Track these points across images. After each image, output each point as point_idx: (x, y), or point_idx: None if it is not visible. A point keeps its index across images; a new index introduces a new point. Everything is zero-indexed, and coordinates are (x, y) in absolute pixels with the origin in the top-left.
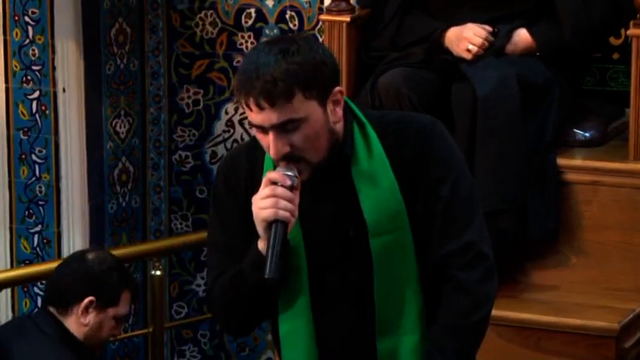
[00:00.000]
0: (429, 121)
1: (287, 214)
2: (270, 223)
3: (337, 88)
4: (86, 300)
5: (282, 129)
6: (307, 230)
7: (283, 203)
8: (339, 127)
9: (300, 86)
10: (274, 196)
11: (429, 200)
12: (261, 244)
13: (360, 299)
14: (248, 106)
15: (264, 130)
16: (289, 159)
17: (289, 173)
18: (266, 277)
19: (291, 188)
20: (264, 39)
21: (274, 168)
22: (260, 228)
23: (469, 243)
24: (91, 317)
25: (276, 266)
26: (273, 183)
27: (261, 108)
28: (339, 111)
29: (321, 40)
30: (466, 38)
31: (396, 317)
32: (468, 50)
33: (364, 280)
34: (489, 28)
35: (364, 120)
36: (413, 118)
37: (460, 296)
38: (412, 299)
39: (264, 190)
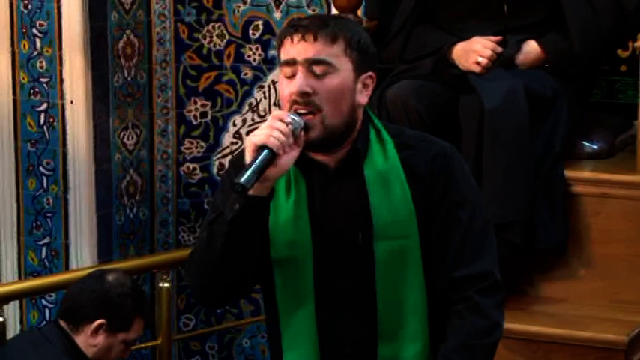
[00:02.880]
0: (449, 147)
1: (277, 142)
2: (258, 148)
3: (371, 72)
4: (97, 322)
5: (311, 69)
6: (317, 233)
7: (277, 133)
8: (359, 116)
9: (346, 39)
10: (271, 126)
11: (446, 221)
12: (248, 160)
13: (364, 304)
14: (291, 38)
15: (292, 68)
16: (307, 102)
17: (294, 117)
18: (237, 181)
19: (292, 133)
20: (271, 52)
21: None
22: (248, 152)
23: (488, 270)
24: (100, 339)
25: (251, 177)
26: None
27: (303, 40)
28: (366, 97)
29: None
30: (475, 51)
31: (398, 324)
32: (478, 63)
33: (369, 285)
34: (496, 38)
35: (381, 127)
36: (433, 140)
37: (477, 318)
38: (416, 308)
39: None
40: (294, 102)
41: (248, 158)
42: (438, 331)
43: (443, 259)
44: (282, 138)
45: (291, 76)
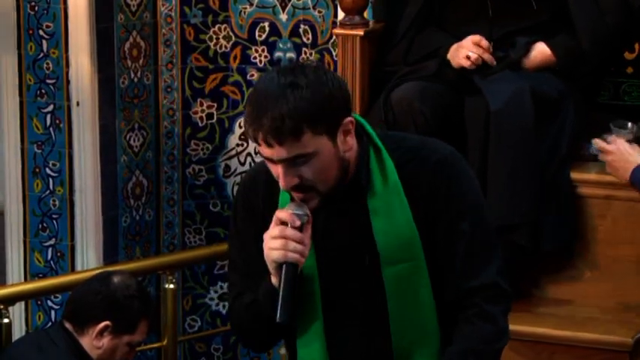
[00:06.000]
0: (449, 152)
1: (296, 255)
2: (280, 264)
3: (348, 119)
4: (102, 324)
5: (291, 162)
6: (322, 258)
7: (292, 245)
8: (352, 154)
9: (309, 123)
10: (284, 237)
11: (450, 234)
12: (274, 279)
13: (375, 326)
14: (257, 140)
15: (273, 162)
16: (299, 189)
17: (299, 212)
18: (278, 320)
19: (300, 228)
20: (277, 54)
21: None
22: (271, 268)
23: (495, 280)
24: (105, 341)
25: (287, 309)
26: (283, 223)
27: (270, 145)
28: (350, 140)
29: (334, 54)
30: (463, 46)
31: (412, 344)
32: (467, 57)
33: (380, 307)
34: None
35: (381, 145)
36: (432, 148)
37: (484, 324)
38: (428, 326)
39: (273, 230)
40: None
41: (271, 270)
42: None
43: (449, 272)
44: (299, 247)
45: (275, 163)
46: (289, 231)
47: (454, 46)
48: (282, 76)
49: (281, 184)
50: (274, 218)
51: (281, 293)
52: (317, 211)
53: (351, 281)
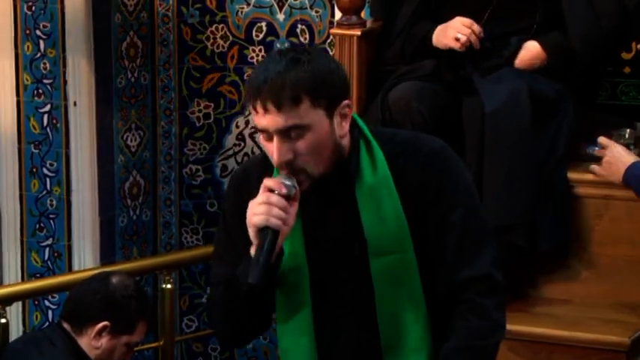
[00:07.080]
0: (439, 145)
1: (278, 222)
2: (260, 230)
3: (346, 102)
4: (100, 324)
5: (286, 135)
6: (311, 247)
7: (276, 211)
8: (345, 142)
9: (309, 93)
10: (268, 203)
11: (441, 227)
12: (253, 249)
13: (364, 317)
14: (255, 108)
15: (269, 134)
16: (291, 168)
17: (287, 182)
18: (249, 282)
19: (287, 197)
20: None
21: None
22: (251, 233)
23: (488, 272)
24: (103, 341)
25: (261, 274)
26: (270, 190)
27: (267, 111)
28: (346, 126)
29: (331, 54)
30: (453, 27)
31: (400, 336)
32: (457, 39)
33: (369, 298)
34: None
35: (371, 138)
36: (422, 142)
37: (477, 319)
38: (417, 319)
39: (259, 197)
40: (280, 167)
41: (252, 237)
42: (442, 340)
43: (441, 265)
44: (283, 214)
45: (270, 139)
46: (274, 197)
47: (440, 27)
48: (285, 54)
49: (274, 158)
50: (261, 187)
51: (257, 257)
52: (308, 201)
53: (342, 271)
